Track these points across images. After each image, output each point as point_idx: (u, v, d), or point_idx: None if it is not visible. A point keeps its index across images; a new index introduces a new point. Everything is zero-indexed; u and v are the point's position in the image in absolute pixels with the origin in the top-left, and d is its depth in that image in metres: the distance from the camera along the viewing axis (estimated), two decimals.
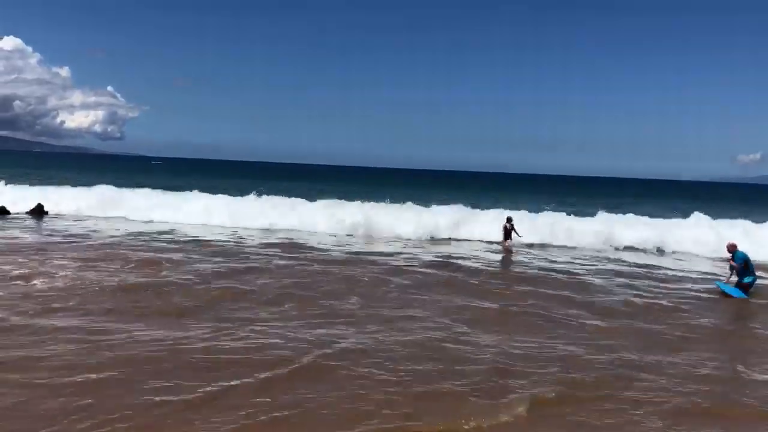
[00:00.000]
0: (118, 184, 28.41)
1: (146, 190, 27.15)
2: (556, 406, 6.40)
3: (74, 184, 28.84)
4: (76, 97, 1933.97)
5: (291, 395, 6.31)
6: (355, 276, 12.99)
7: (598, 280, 14.08)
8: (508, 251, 18.30)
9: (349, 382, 6.75)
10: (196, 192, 26.73)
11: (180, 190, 27.49)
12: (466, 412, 6.09)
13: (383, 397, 6.36)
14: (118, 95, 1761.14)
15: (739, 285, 12.98)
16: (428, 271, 14.31)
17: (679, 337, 9.37)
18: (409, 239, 20.16)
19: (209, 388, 6.37)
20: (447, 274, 14.08)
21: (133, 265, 12.87)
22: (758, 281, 13.51)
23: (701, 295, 12.93)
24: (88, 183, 28.53)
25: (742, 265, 12.99)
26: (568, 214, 24.37)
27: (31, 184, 29.58)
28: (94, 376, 6.56)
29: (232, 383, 6.53)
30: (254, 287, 11.33)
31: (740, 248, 13.43)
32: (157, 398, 6.08)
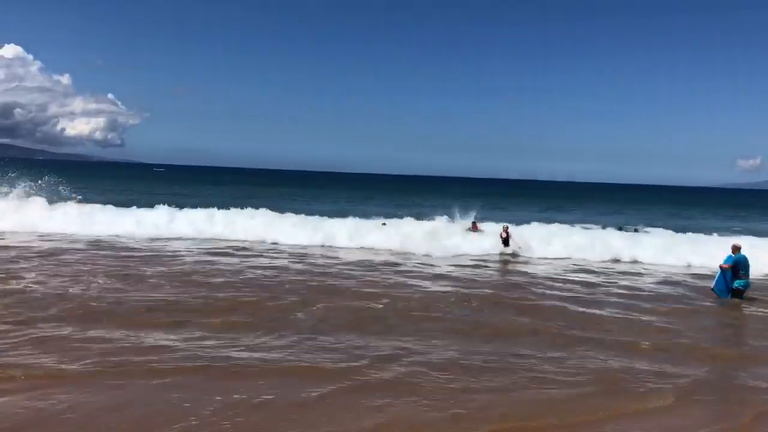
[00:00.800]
0: (135, 195, 26.45)
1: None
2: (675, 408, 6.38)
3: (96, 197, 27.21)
4: (77, 104, 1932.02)
5: (382, 403, 6.05)
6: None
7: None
8: (506, 260, 17.72)
9: (436, 392, 6.43)
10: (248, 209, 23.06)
11: (187, 198, 25.40)
12: (573, 412, 6.01)
13: (484, 401, 6.20)
14: (119, 102, 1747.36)
15: (731, 289, 12.67)
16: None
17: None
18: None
19: (304, 394, 6.18)
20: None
21: (171, 277, 12.56)
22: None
23: None
24: (107, 191, 26.28)
25: (730, 266, 12.55)
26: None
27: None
28: (157, 381, 6.37)
29: (319, 390, 6.29)
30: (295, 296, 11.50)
31: None
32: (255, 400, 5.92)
